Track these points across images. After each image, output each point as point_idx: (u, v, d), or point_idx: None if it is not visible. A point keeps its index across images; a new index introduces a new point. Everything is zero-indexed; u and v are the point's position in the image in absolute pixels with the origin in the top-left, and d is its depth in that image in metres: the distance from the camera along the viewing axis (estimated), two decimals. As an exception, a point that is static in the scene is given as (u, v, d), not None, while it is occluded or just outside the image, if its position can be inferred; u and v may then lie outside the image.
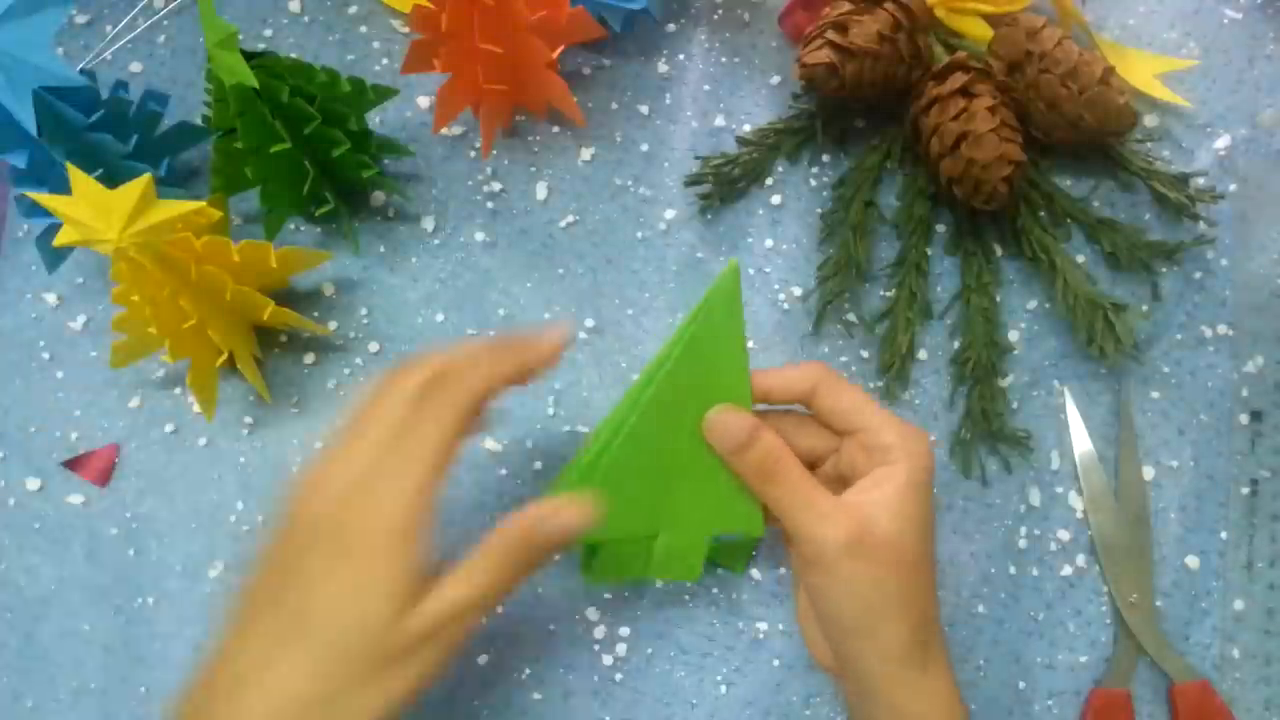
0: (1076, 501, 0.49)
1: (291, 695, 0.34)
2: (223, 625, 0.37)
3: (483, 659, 0.48)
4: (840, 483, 0.41)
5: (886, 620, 0.38)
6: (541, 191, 0.53)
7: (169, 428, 0.50)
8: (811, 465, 0.42)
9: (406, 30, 0.55)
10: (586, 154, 0.53)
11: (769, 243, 0.52)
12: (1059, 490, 0.50)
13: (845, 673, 0.41)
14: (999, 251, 0.52)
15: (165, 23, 0.55)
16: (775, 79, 0.55)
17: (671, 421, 0.41)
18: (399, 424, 0.37)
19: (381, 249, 0.52)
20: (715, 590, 0.48)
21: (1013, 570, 0.49)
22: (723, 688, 0.47)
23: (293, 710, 0.34)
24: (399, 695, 0.35)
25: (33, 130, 0.42)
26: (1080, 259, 0.52)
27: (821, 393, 0.41)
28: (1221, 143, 0.53)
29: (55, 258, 0.48)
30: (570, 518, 0.38)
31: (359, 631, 0.35)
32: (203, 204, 0.42)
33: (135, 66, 0.55)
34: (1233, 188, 0.53)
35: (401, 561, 0.35)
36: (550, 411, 0.50)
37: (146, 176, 0.40)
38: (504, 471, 0.49)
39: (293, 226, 0.52)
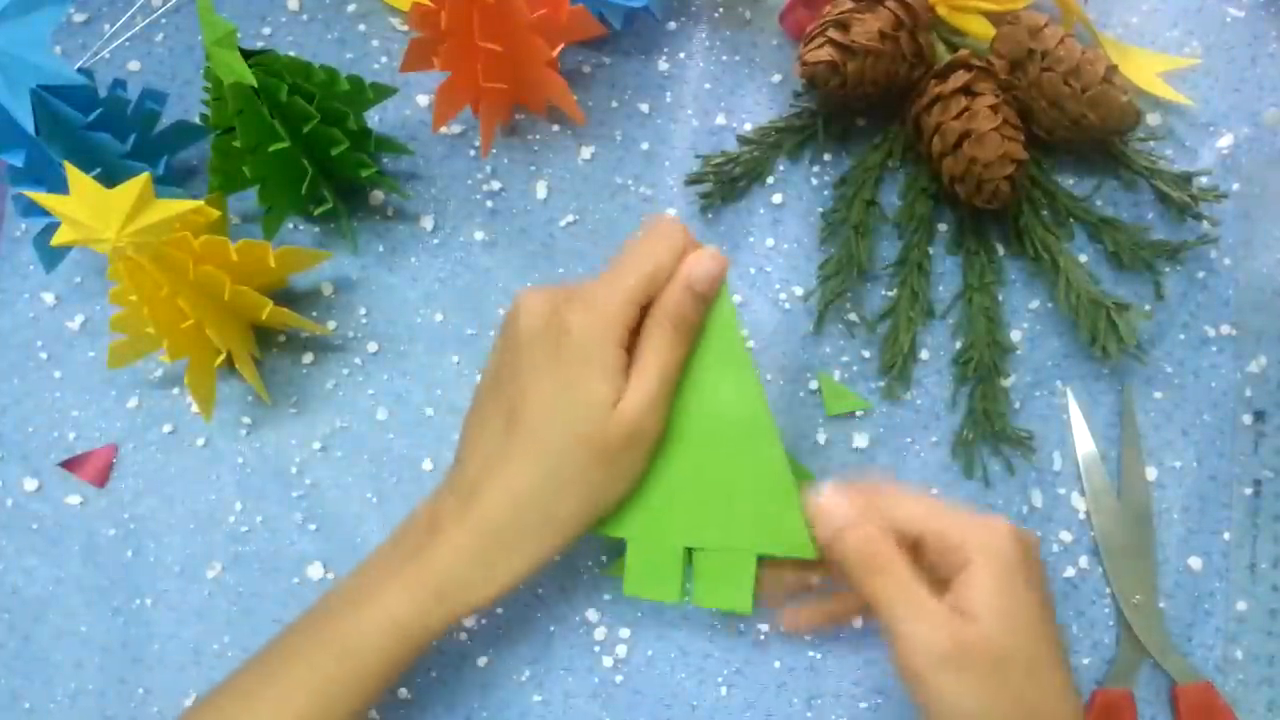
0: (1079, 502, 0.49)
1: (518, 491, 0.39)
2: (461, 435, 0.42)
3: (482, 660, 0.47)
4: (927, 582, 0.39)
5: None
6: (541, 190, 0.53)
7: (167, 428, 0.50)
8: None
9: (405, 28, 0.55)
10: (586, 153, 0.53)
11: (770, 242, 0.52)
12: (1061, 491, 0.49)
13: None
14: (1001, 251, 0.52)
15: (163, 21, 0.55)
16: (776, 77, 0.54)
17: (692, 426, 0.41)
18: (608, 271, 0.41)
19: (380, 248, 0.52)
20: (716, 591, 0.48)
21: (1015, 571, 0.49)
22: (724, 689, 0.47)
23: (523, 504, 0.39)
24: (610, 494, 0.40)
25: (30, 129, 0.42)
26: (1083, 258, 0.51)
27: (881, 511, 0.40)
28: (1224, 141, 0.53)
29: (53, 257, 0.48)
30: (707, 265, 0.39)
31: (570, 434, 0.38)
32: (201, 203, 0.42)
33: (133, 65, 0.55)
34: (1236, 187, 0.53)
35: (604, 369, 0.38)
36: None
37: (144, 175, 0.40)
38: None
39: (291, 226, 0.52)
